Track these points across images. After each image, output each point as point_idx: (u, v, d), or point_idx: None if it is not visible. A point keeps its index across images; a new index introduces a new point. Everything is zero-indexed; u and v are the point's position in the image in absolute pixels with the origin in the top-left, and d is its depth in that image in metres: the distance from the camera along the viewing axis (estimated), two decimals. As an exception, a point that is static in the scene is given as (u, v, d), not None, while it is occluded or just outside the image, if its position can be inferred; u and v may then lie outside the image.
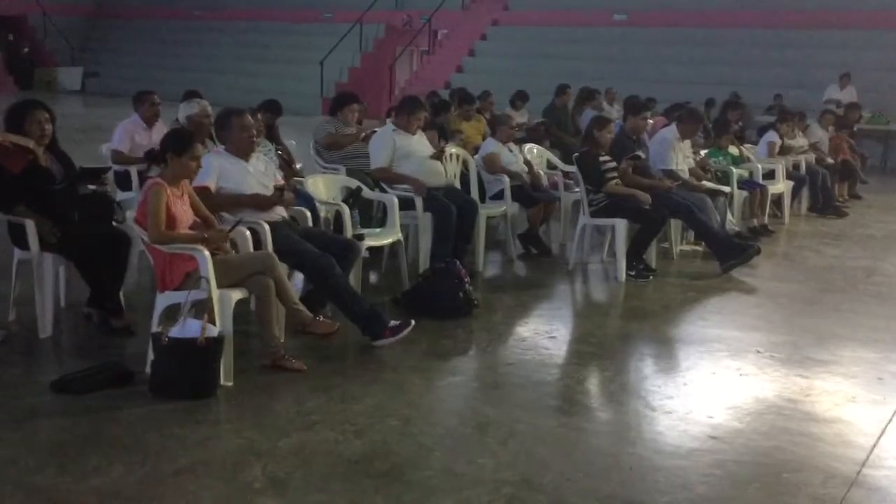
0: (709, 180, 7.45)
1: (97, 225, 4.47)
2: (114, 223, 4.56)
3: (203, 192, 4.39)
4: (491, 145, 7.03)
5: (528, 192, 6.90)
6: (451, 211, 5.86)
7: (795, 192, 9.07)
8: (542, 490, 3.11)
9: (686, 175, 7.08)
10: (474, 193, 6.59)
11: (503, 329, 5.10)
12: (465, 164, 6.89)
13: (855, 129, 11.72)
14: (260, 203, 4.60)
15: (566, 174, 7.57)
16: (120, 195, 5.96)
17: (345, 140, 6.71)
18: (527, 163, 7.16)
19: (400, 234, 5.64)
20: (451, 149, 6.99)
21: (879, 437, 3.66)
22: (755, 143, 9.59)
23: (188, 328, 3.71)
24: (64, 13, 25.43)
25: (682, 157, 7.12)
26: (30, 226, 4.34)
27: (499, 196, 6.77)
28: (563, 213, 7.39)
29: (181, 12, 25.33)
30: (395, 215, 5.65)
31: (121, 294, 4.61)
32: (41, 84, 23.98)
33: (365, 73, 20.40)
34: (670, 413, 3.85)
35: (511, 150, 7.07)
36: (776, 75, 15.20)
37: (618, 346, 4.85)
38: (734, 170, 7.97)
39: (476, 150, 7.26)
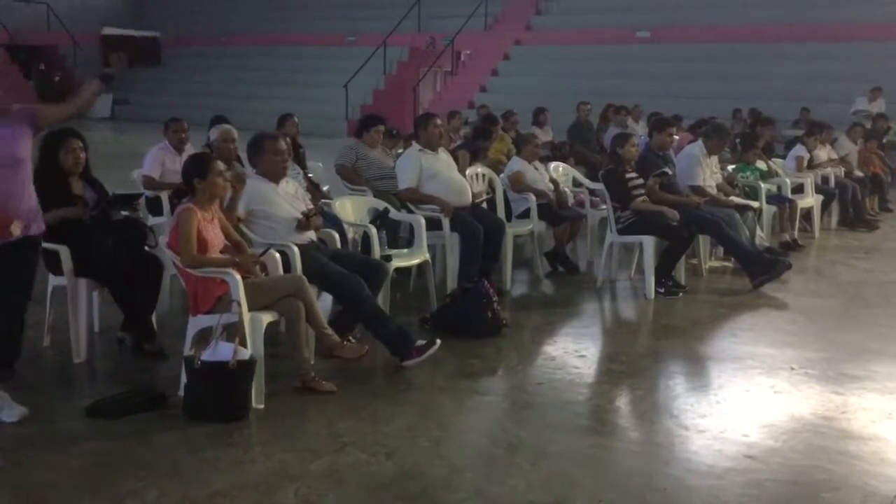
0: (737, 195, 7.40)
1: (130, 250, 4.53)
2: (146, 248, 4.62)
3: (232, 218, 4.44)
4: (517, 164, 7.04)
5: (555, 210, 6.90)
6: (478, 230, 5.87)
7: (825, 206, 8.97)
8: (575, 511, 3.09)
9: (714, 191, 7.04)
10: (501, 213, 6.60)
11: (532, 348, 5.08)
12: (491, 183, 6.91)
13: (884, 141, 11.59)
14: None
15: (592, 192, 7.56)
16: (151, 220, 6.05)
17: (361, 175, 6.68)
18: (552, 181, 7.16)
19: (427, 255, 5.66)
20: (478, 168, 7.02)
21: (919, 455, 3.60)
22: (783, 157, 9.52)
23: (220, 351, 3.75)
24: (93, 42, 25.92)
25: (709, 172, 7.09)
26: (64, 252, 4.41)
27: (525, 215, 6.78)
28: (589, 231, 7.37)
29: (207, 39, 25.73)
30: (423, 236, 5.67)
31: (153, 318, 4.67)
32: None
33: (389, 95, 20.55)
34: (704, 432, 3.80)
35: (536, 169, 7.08)
36: (803, 89, 15.08)
37: (648, 364, 4.81)
38: (762, 185, 7.92)
39: (501, 168, 7.28)
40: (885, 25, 15.50)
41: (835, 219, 9.26)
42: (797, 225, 8.20)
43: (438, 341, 4.53)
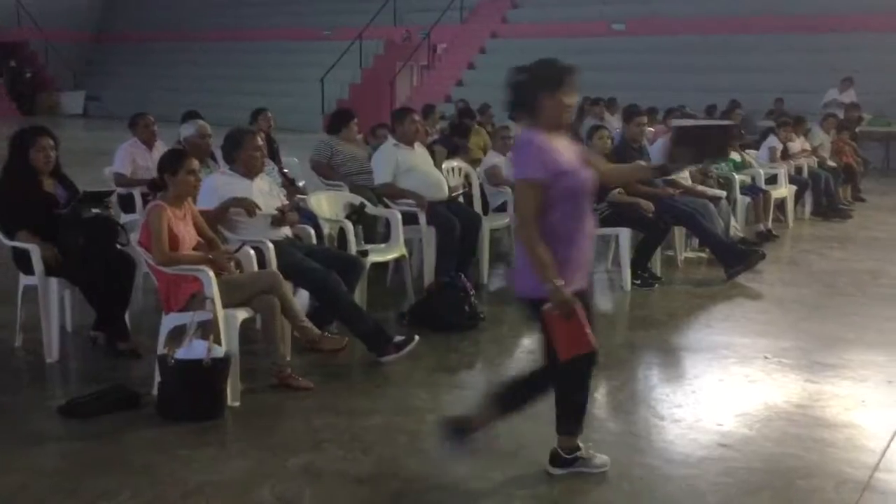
0: (711, 186, 7.44)
1: (102, 248, 4.48)
2: (118, 246, 4.57)
3: (205, 214, 4.40)
4: (493, 157, 7.04)
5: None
6: (455, 225, 5.86)
7: (798, 197, 9.05)
8: (552, 502, 3.10)
9: (688, 182, 7.08)
10: (477, 206, 6.59)
11: (510, 341, 5.08)
12: (467, 177, 6.90)
13: (857, 131, 11.71)
14: (247, 207, 4.56)
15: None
16: (124, 218, 5.98)
17: (337, 171, 6.65)
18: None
19: (404, 250, 5.64)
20: (454, 162, 7.01)
21: (890, 441, 3.64)
22: (757, 148, 9.59)
23: (194, 349, 3.72)
24: (65, 38, 25.60)
25: (683, 164, 7.11)
26: (34, 251, 4.35)
27: (502, 208, 6.78)
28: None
29: (181, 34, 25.48)
30: (399, 231, 5.65)
31: (126, 317, 4.62)
32: (43, 109, 24.11)
33: (365, 89, 20.46)
34: (679, 422, 3.83)
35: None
36: (777, 80, 15.19)
37: (625, 355, 4.83)
38: (736, 175, 7.97)
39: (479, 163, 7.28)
40: (856, 16, 15.65)
41: (808, 209, 9.35)
42: (771, 215, 8.26)
43: (417, 337, 4.52)
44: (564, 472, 3.24)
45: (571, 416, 3.25)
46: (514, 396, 3.27)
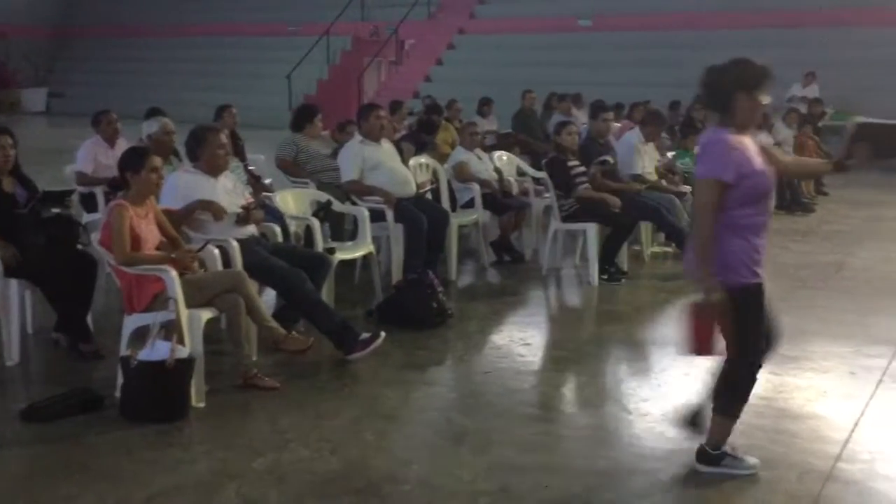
0: (676, 182, 7.49)
1: (62, 249, 4.40)
2: (79, 246, 4.49)
3: (170, 214, 4.34)
4: (460, 154, 7.03)
5: (499, 200, 6.91)
6: (422, 221, 5.84)
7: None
8: (519, 499, 3.11)
9: (653, 177, 7.13)
10: (445, 203, 6.58)
11: (478, 338, 5.09)
12: (435, 173, 6.88)
13: (819, 125, 11.87)
14: (214, 211, 4.52)
15: (536, 180, 7.59)
16: (86, 217, 5.88)
17: (303, 168, 6.59)
18: (497, 170, 7.17)
19: (372, 247, 5.62)
20: (422, 158, 6.99)
21: (852, 431, 3.70)
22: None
23: (157, 350, 3.67)
24: (26, 34, 25.12)
25: (647, 159, 7.16)
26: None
27: (470, 204, 6.78)
28: (534, 220, 7.41)
29: (145, 30, 25.13)
30: (366, 228, 5.62)
31: (88, 318, 4.54)
32: (4, 106, 23.62)
33: (333, 85, 20.34)
34: (646, 415, 3.86)
35: (480, 158, 7.07)
36: (741, 75, 15.34)
37: (592, 350, 4.85)
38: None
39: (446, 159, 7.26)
40: (819, 12, 15.87)
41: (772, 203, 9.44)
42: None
43: (383, 334, 4.50)
44: (713, 470, 3.27)
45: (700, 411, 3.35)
46: (726, 398, 3.25)
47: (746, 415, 3.82)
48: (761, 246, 3.15)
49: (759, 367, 3.22)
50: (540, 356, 4.81)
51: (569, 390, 4.33)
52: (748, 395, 3.25)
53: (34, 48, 25.32)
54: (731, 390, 3.23)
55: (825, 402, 4.06)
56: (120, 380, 3.81)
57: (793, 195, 9.48)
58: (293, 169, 6.62)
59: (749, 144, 3.11)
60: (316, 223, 5.35)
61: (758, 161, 3.10)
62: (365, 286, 5.87)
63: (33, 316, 4.82)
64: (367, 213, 5.66)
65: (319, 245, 5.24)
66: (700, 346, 3.08)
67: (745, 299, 3.09)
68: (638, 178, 6.96)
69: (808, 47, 15.50)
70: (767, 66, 3.09)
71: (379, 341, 4.45)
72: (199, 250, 4.24)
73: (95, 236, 4.15)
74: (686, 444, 3.53)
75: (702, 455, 3.29)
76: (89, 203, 6.08)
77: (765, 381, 4.28)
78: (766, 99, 3.07)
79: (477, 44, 19.68)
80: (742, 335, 3.11)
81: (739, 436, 3.62)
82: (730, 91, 3.06)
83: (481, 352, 4.86)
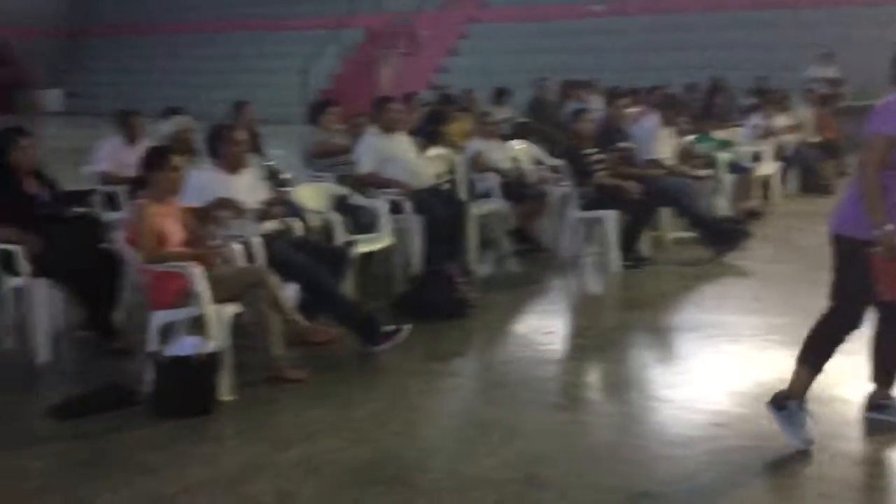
0: (695, 166, 7.46)
1: (86, 248, 4.45)
2: (103, 245, 4.53)
3: (191, 211, 4.37)
4: (477, 144, 7.03)
5: (517, 189, 6.90)
6: (440, 212, 5.85)
7: (784, 174, 9.09)
8: (547, 487, 3.12)
9: (672, 162, 7.09)
10: (462, 193, 6.59)
11: (500, 328, 5.10)
12: (451, 164, 6.88)
13: (840, 106, 11.74)
14: (233, 209, 4.52)
15: (554, 168, 7.57)
16: (108, 216, 5.93)
17: (335, 148, 6.63)
18: (514, 159, 7.16)
19: (391, 238, 5.63)
20: (435, 150, 6.98)
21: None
22: (740, 125, 9.62)
23: (184, 346, 3.71)
24: (42, 35, 25.31)
25: (665, 144, 7.13)
26: (19, 253, 4.31)
27: (488, 194, 6.77)
28: (553, 208, 7.39)
29: (160, 28, 25.23)
30: (386, 219, 5.64)
31: (116, 315, 4.59)
32: (23, 107, 23.83)
33: (348, 78, 20.36)
34: (671, 402, 3.85)
35: (498, 148, 7.06)
36: (759, 57, 15.20)
37: (615, 337, 4.85)
38: (721, 154, 7.99)
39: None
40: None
41: (793, 185, 9.39)
42: (757, 193, 8.29)
43: (407, 326, 4.52)
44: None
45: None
46: (817, 350, 3.45)
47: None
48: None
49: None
50: (562, 344, 4.82)
51: (592, 378, 4.34)
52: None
53: (50, 49, 25.51)
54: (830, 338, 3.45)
55: (851, 385, 4.02)
56: (149, 376, 3.85)
57: (813, 177, 9.40)
58: (325, 154, 6.60)
59: None
60: (336, 217, 5.38)
61: None
62: (385, 278, 5.90)
63: (63, 314, 4.87)
64: (386, 205, 5.68)
65: (340, 238, 5.26)
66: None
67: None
68: (655, 162, 6.93)
69: (826, 27, 15.34)
70: None
71: (404, 333, 4.46)
72: (223, 247, 4.27)
73: (119, 235, 4.19)
74: (712, 431, 3.54)
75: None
76: (112, 202, 6.13)
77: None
78: None
79: (490, 32, 19.60)
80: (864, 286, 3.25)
81: (768, 421, 3.61)
82: None
83: (504, 342, 4.87)
